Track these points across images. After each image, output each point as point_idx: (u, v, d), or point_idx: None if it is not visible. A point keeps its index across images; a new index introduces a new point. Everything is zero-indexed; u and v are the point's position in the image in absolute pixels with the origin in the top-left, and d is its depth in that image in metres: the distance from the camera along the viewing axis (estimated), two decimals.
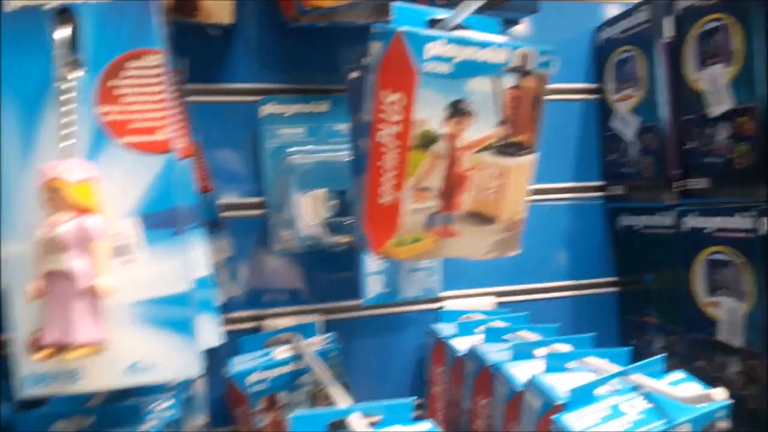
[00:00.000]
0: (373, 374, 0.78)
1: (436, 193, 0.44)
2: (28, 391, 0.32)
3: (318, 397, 0.68)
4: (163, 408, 0.52)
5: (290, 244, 0.71)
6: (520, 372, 0.55)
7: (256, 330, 0.73)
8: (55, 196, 0.31)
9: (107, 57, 0.34)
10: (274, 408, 0.66)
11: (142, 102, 0.34)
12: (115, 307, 0.33)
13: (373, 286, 0.58)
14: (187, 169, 0.35)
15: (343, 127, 0.72)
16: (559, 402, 0.47)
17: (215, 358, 0.71)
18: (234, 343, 0.68)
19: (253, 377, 0.65)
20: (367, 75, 0.45)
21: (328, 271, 0.75)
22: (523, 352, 0.59)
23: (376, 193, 0.44)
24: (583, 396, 0.46)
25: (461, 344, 0.68)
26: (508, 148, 0.43)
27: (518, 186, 0.44)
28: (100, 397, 0.53)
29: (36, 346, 0.32)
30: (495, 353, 0.61)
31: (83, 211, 0.31)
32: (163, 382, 0.34)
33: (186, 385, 0.59)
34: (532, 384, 0.51)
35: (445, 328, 0.74)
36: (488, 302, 0.80)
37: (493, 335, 0.66)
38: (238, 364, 0.66)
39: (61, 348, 0.30)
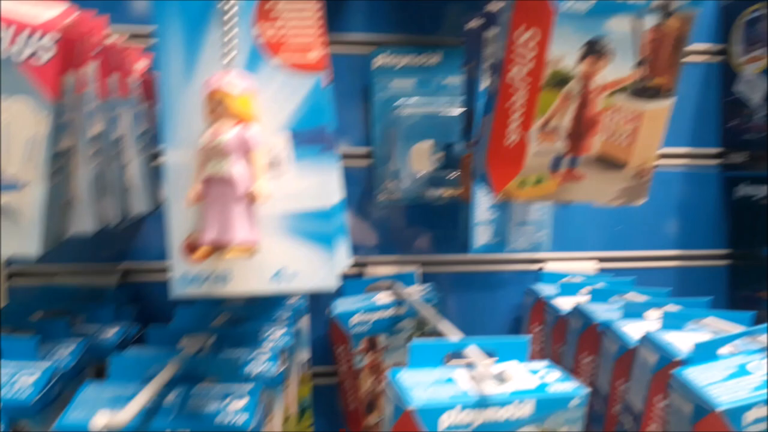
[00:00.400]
0: (466, 329, 0.78)
1: (564, 135, 0.43)
2: (181, 291, 0.35)
3: None
4: (278, 336, 0.55)
5: (394, 195, 0.72)
6: (632, 330, 0.54)
7: (358, 276, 0.74)
8: (218, 107, 0.32)
9: None
10: (373, 350, 0.68)
11: (297, 22, 0.35)
12: (264, 217, 0.35)
13: (482, 235, 0.58)
14: (330, 94, 0.36)
15: (454, 80, 0.71)
16: (678, 358, 0.46)
17: (318, 299, 0.74)
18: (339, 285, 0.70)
19: (356, 318, 0.67)
20: (501, 14, 0.45)
21: (430, 224, 0.76)
22: (633, 312, 0.58)
23: (502, 134, 0.44)
24: (705, 353, 0.45)
25: (564, 304, 0.67)
26: (644, 91, 0.42)
27: (652, 132, 0.43)
28: (223, 318, 0.56)
29: (191, 248, 0.34)
30: (603, 312, 0.60)
31: (243, 121, 0.33)
32: (302, 291, 0.35)
33: (295, 318, 0.62)
34: (648, 340, 0.50)
35: (545, 288, 0.73)
36: (590, 266, 0.78)
37: (599, 296, 0.64)
38: (342, 305, 0.68)
39: (218, 247, 0.32)
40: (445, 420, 0.38)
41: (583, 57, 0.42)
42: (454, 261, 0.77)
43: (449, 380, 0.42)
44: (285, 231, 0.35)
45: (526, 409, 0.40)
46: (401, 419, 0.39)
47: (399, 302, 0.69)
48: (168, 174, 0.34)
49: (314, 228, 0.35)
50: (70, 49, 0.38)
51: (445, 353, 0.44)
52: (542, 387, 0.41)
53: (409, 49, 0.70)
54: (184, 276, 0.35)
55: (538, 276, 0.77)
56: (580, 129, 0.43)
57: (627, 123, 0.43)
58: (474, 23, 0.60)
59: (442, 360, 0.44)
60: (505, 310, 0.78)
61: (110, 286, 0.66)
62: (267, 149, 0.34)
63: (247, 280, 0.35)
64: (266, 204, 0.34)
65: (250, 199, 0.33)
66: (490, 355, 0.43)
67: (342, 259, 0.40)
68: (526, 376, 0.42)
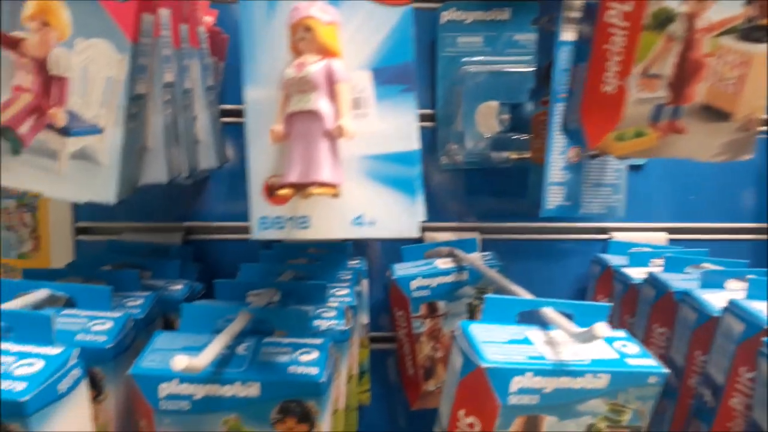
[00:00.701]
0: None
1: (666, 82, 0.40)
2: (261, 233, 0.34)
3: (477, 309, 0.68)
4: (341, 294, 0.54)
5: (457, 158, 0.70)
6: (713, 299, 0.51)
7: (417, 241, 0.73)
8: (306, 36, 0.31)
9: None
10: (433, 315, 0.67)
11: None
12: (345, 159, 0.33)
13: (554, 197, 0.56)
14: (407, 22, 0.33)
15: (524, 37, 0.68)
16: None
17: (377, 263, 0.73)
18: (396, 251, 0.69)
19: (416, 282, 0.66)
20: None
21: (493, 189, 0.73)
22: (713, 282, 0.55)
23: (598, 81, 0.41)
24: None
25: (634, 273, 0.65)
26: (755, 32, 0.38)
27: (761, 78, 0.39)
28: (288, 276, 0.56)
29: (272, 190, 0.33)
30: (679, 281, 0.57)
31: (330, 54, 0.31)
32: (383, 236, 0.34)
33: (356, 279, 0.61)
34: (734, 307, 0.47)
35: (613, 258, 0.71)
36: (660, 237, 0.75)
37: (673, 265, 0.61)
38: (402, 269, 0.67)
39: (302, 187, 0.31)
40: (517, 383, 0.36)
41: None
42: (517, 229, 0.74)
43: (524, 340, 0.40)
44: (366, 174, 0.34)
45: (600, 381, 0.38)
46: (471, 375, 0.37)
47: (460, 268, 0.68)
48: (248, 112, 0.33)
49: (396, 172, 0.34)
50: None
51: (519, 310, 0.42)
52: (620, 360, 0.39)
53: (477, 5, 0.67)
54: (264, 218, 0.34)
55: (605, 246, 0.74)
56: (684, 75, 0.40)
57: (734, 68, 0.39)
58: None
59: (515, 317, 0.42)
60: (568, 280, 0.76)
61: (174, 243, 0.66)
62: (352, 85, 0.32)
63: (328, 224, 0.34)
64: (347, 145, 0.33)
65: (337, 134, 0.31)
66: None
67: (404, 223, 0.38)
68: (602, 346, 0.40)
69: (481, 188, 0.73)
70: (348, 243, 0.69)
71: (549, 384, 0.37)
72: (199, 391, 0.36)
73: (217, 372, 0.36)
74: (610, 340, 0.41)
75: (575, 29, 0.53)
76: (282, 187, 0.31)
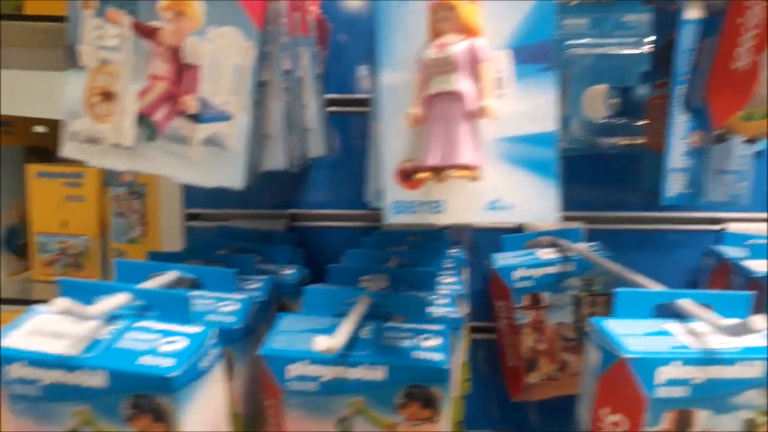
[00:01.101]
0: None
1: None
2: (395, 217, 0.33)
3: (584, 302, 0.66)
4: (449, 282, 0.54)
5: (563, 143, 0.68)
6: None
7: (517, 230, 0.71)
8: (449, 15, 0.30)
9: None
10: (536, 307, 0.65)
11: None
12: (482, 141, 0.32)
13: (675, 184, 0.53)
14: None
15: (633, 18, 0.65)
16: None
17: (477, 252, 0.72)
18: (496, 239, 0.67)
19: (519, 273, 0.64)
20: None
21: (600, 176, 0.70)
22: None
23: (728, 57, 0.38)
24: None
25: (755, 267, 0.60)
26: None
27: None
28: (394, 262, 0.56)
29: (405, 174, 0.32)
30: None
31: (472, 33, 0.31)
32: (520, 221, 0.32)
33: (459, 268, 0.60)
34: None
35: (729, 250, 0.66)
36: None
37: None
38: (503, 259, 0.66)
39: (442, 169, 0.30)
40: (664, 373, 0.34)
41: None
42: (624, 219, 0.71)
43: (664, 332, 0.38)
44: (503, 157, 0.32)
45: (755, 369, 0.35)
46: (613, 369, 0.36)
47: (565, 259, 0.65)
48: (383, 96, 0.33)
49: (534, 154, 0.32)
50: None
51: (654, 303, 0.40)
52: None
53: None
54: (398, 203, 0.33)
55: (717, 237, 0.70)
56: None
57: None
58: None
59: (650, 311, 0.40)
60: (677, 273, 0.72)
61: (279, 230, 0.68)
62: (495, 65, 0.31)
63: (462, 209, 0.33)
64: (483, 127, 0.31)
65: (480, 115, 0.30)
66: None
67: (542, 208, 0.37)
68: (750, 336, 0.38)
69: (586, 176, 0.71)
70: (446, 231, 0.68)
71: (699, 374, 0.35)
72: (327, 372, 0.37)
73: (344, 354, 0.37)
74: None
75: (701, 5, 0.50)
76: (420, 170, 0.31)
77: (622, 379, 0.35)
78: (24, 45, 0.83)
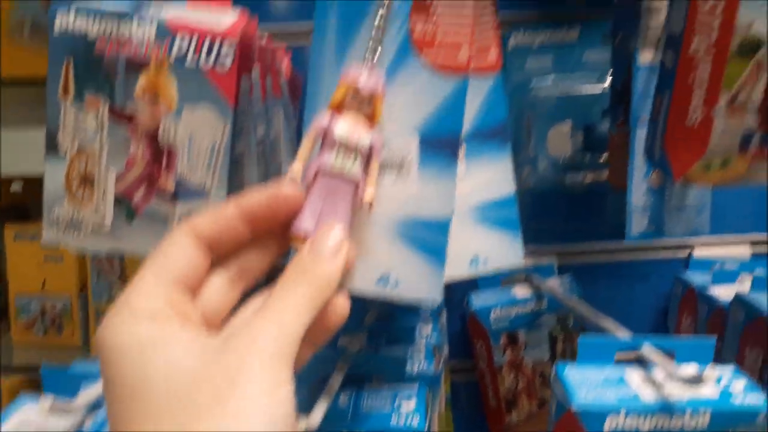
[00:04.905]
0: None
1: (755, 109, 0.39)
2: None
3: (559, 338, 0.68)
4: (428, 332, 0.55)
5: (529, 181, 0.70)
6: None
7: None
8: (363, 103, 0.32)
9: None
10: (513, 346, 0.67)
11: (451, 20, 0.33)
12: (379, 217, 0.34)
13: (638, 222, 0.55)
14: (499, 84, 0.34)
15: (593, 56, 0.67)
16: None
17: (453, 292, 0.73)
18: (473, 279, 0.69)
19: (496, 313, 0.66)
20: None
21: (568, 211, 0.73)
22: None
23: (683, 112, 0.41)
24: None
25: (720, 293, 0.63)
26: None
27: None
28: (372, 315, 0.57)
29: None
30: None
31: (374, 122, 0.32)
32: (403, 300, 0.34)
33: (438, 313, 0.61)
34: None
35: (696, 277, 0.69)
36: (742, 251, 0.73)
37: (761, 284, 0.59)
38: (480, 299, 0.67)
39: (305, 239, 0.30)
40: (610, 424, 0.36)
41: None
42: (594, 250, 0.73)
43: (620, 380, 0.39)
44: (397, 235, 0.34)
45: (702, 420, 0.37)
46: (563, 418, 0.37)
47: (539, 296, 0.67)
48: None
49: (428, 237, 0.34)
50: (246, 54, 0.39)
51: (616, 350, 0.42)
52: (724, 397, 0.38)
53: (544, 25, 0.67)
54: None
55: (687, 263, 0.73)
56: None
57: None
58: None
59: (612, 357, 0.42)
60: (649, 300, 0.75)
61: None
62: (393, 150, 0.33)
63: (354, 278, 0.34)
64: (383, 205, 0.33)
65: (363, 205, 0.32)
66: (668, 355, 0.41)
67: (507, 257, 0.39)
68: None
69: (555, 211, 0.73)
70: None
71: (645, 424, 0.37)
72: None
73: (322, 430, 0.37)
74: (718, 378, 0.40)
75: (654, 53, 0.53)
76: (294, 234, 0.31)
77: (573, 428, 0.36)
78: None
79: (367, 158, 0.32)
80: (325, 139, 0.32)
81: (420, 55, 0.34)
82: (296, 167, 0.32)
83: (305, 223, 0.31)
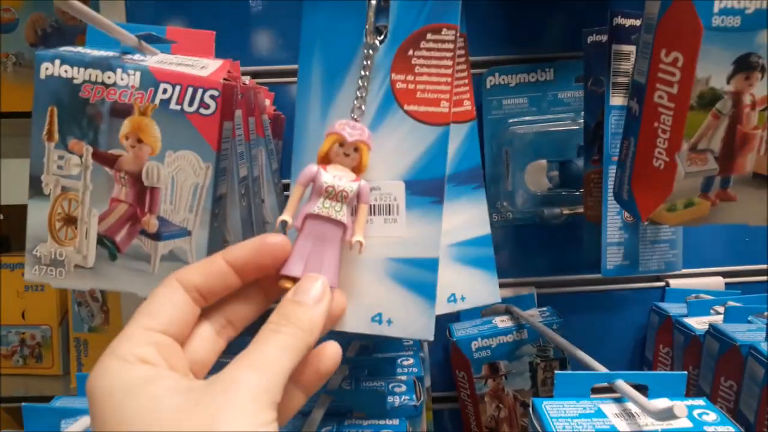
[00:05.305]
0: (587, 352, 0.76)
1: (716, 155, 0.41)
2: None
3: (539, 367, 0.68)
4: (409, 364, 0.56)
5: (508, 215, 0.72)
6: None
7: None
8: (351, 154, 0.34)
9: (410, 27, 0.36)
10: (495, 375, 0.68)
11: (432, 74, 0.35)
12: (370, 260, 0.35)
13: (613, 257, 0.57)
14: (474, 132, 0.36)
15: (568, 95, 0.70)
16: None
17: (436, 323, 0.74)
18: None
19: (477, 343, 0.67)
20: (640, 35, 0.44)
21: (546, 244, 0.74)
22: None
23: (648, 157, 0.43)
24: None
25: (695, 323, 0.64)
26: None
27: None
28: (355, 347, 0.57)
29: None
30: (743, 333, 0.56)
31: (361, 171, 0.34)
32: (398, 337, 0.36)
33: (419, 345, 0.62)
34: None
35: (672, 307, 0.70)
36: (716, 282, 0.74)
37: (735, 314, 0.61)
38: (461, 329, 0.68)
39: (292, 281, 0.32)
40: None
41: (735, 74, 0.40)
42: (572, 282, 0.75)
43: (597, 413, 0.41)
44: (389, 276, 0.35)
45: None
46: None
47: (519, 327, 0.68)
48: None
49: (418, 276, 0.36)
50: (227, 101, 0.40)
51: (591, 385, 0.43)
52: (697, 427, 0.39)
53: (521, 68, 0.70)
54: None
55: (662, 294, 0.74)
56: (732, 148, 0.41)
57: None
58: (596, 37, 0.59)
59: (588, 391, 0.43)
60: (626, 330, 0.76)
61: None
62: (380, 196, 0.35)
63: (349, 319, 0.36)
64: (374, 247, 0.35)
65: (351, 246, 0.34)
66: (639, 389, 0.42)
67: (484, 295, 0.40)
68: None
69: (534, 243, 0.74)
70: None
71: None
72: None
73: None
74: (689, 410, 0.41)
75: (624, 96, 0.55)
76: (284, 278, 0.32)
77: None
78: None
79: (355, 204, 0.34)
80: (314, 188, 0.34)
81: (403, 107, 0.36)
82: (285, 217, 0.33)
83: (294, 266, 0.32)
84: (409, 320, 0.36)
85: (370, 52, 0.36)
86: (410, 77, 0.36)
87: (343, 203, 0.33)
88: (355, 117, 0.35)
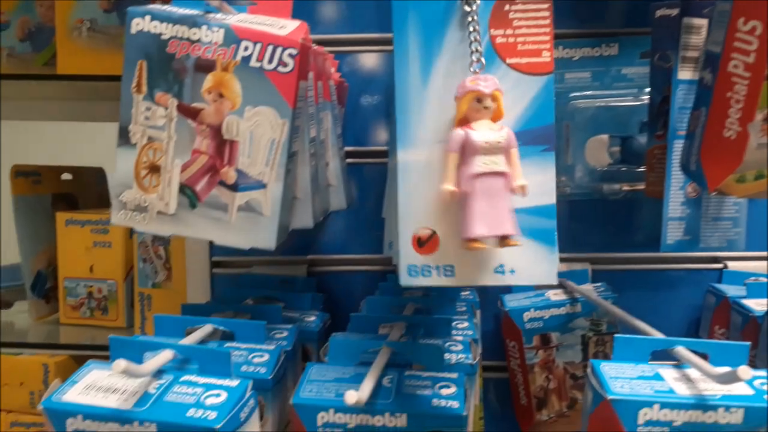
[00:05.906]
0: None
1: None
2: (410, 280, 0.37)
3: (591, 341, 0.69)
4: (463, 327, 0.57)
5: (566, 189, 0.72)
6: None
7: None
8: (492, 106, 0.35)
9: None
10: (546, 347, 0.68)
11: (530, 26, 0.36)
12: None
13: (674, 232, 0.56)
14: (550, 87, 0.36)
15: (631, 70, 0.69)
16: None
17: (487, 294, 0.75)
18: None
19: (529, 314, 0.67)
20: (716, 4, 0.43)
21: (603, 220, 0.74)
22: None
23: (719, 127, 0.42)
24: None
25: (754, 305, 0.63)
26: None
27: None
28: (410, 308, 0.59)
29: (419, 241, 0.36)
30: None
31: (499, 119, 0.35)
32: (524, 284, 0.37)
33: (471, 310, 0.63)
34: None
35: (730, 289, 0.69)
36: None
37: None
38: (513, 300, 0.69)
39: (505, 239, 0.34)
40: (644, 415, 0.38)
41: None
42: (628, 259, 0.74)
43: (655, 376, 0.41)
44: None
45: (735, 417, 0.38)
46: (599, 408, 0.39)
47: (573, 300, 0.69)
48: (401, 173, 0.36)
49: (537, 224, 0.36)
50: (304, 61, 0.42)
51: (651, 350, 0.43)
52: (757, 396, 0.39)
53: (585, 42, 0.69)
54: (413, 266, 0.37)
55: (719, 275, 0.73)
56: None
57: None
58: (665, 11, 0.58)
59: (647, 356, 0.43)
60: (681, 310, 0.75)
61: (299, 275, 0.71)
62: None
63: (471, 273, 0.37)
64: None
65: (516, 191, 0.35)
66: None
67: (543, 273, 0.41)
68: (740, 384, 0.40)
69: (591, 219, 0.74)
70: None
71: (678, 417, 0.38)
72: (353, 420, 0.40)
73: (369, 403, 0.40)
74: (750, 380, 0.41)
75: (693, 70, 0.54)
76: (472, 240, 0.34)
77: (608, 418, 0.38)
78: (51, 98, 0.88)
79: (506, 151, 0.35)
80: (466, 150, 0.35)
81: (506, 60, 0.37)
82: (449, 186, 0.35)
83: (477, 227, 0.34)
84: (532, 267, 0.37)
85: (473, 7, 0.36)
86: (509, 31, 0.36)
87: (498, 155, 0.35)
88: (476, 70, 0.36)
